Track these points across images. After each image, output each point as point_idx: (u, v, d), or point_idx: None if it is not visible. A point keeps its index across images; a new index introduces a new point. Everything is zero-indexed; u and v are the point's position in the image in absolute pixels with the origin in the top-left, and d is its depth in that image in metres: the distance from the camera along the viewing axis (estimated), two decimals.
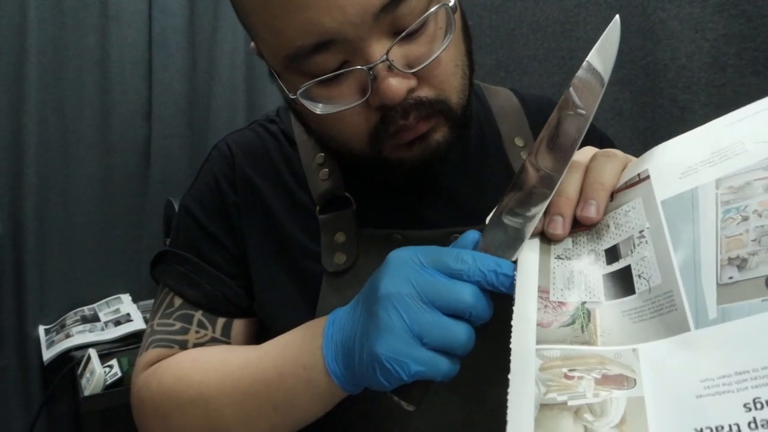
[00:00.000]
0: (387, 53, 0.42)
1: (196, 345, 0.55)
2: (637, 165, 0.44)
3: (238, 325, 0.57)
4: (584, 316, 0.40)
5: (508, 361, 0.54)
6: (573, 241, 0.44)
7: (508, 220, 0.43)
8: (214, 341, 0.56)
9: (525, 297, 0.41)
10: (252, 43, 0.51)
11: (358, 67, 0.43)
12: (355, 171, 0.56)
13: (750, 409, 0.30)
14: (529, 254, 0.43)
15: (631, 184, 0.43)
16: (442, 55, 0.46)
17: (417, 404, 0.42)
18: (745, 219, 0.35)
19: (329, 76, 0.44)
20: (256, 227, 0.57)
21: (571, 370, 0.37)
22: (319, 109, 0.46)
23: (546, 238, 0.44)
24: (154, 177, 1.76)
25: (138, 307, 1.69)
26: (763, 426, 0.29)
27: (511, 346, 0.39)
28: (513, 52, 1.28)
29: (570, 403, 0.35)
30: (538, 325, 0.40)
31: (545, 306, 0.41)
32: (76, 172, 1.68)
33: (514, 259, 0.42)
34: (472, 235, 0.43)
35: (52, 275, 1.65)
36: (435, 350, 0.39)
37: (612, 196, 0.44)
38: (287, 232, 0.56)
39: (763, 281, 0.33)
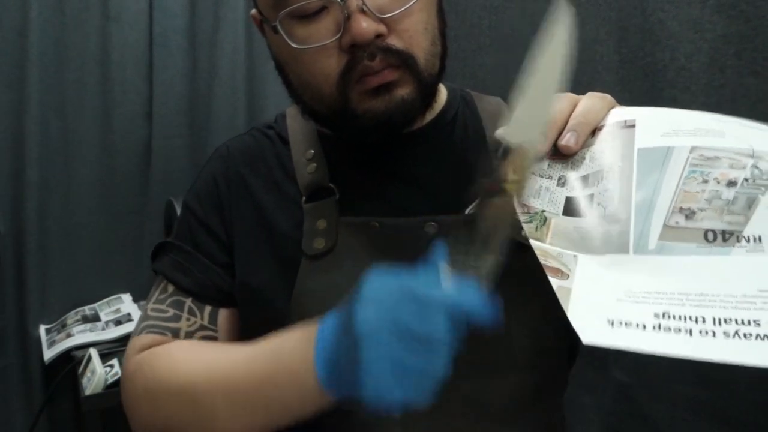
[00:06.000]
0: None
1: (187, 333, 0.59)
2: (628, 112, 0.48)
3: (223, 314, 0.62)
4: (541, 219, 0.46)
5: (479, 357, 0.55)
6: (549, 164, 0.48)
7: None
8: (202, 329, 0.60)
9: None
10: (252, 10, 0.57)
11: None
12: (340, 163, 0.61)
13: (658, 317, 0.36)
14: None
15: (616, 127, 0.47)
16: (414, 9, 0.51)
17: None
18: (705, 182, 0.41)
19: (309, 8, 0.50)
20: (245, 219, 0.62)
21: None
22: (295, 43, 0.52)
23: None
24: (155, 177, 1.76)
25: (139, 307, 1.70)
26: (664, 330, 0.35)
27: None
28: (513, 52, 1.28)
29: None
30: None
31: None
32: (77, 172, 1.68)
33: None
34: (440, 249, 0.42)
35: (53, 275, 1.64)
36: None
37: (594, 132, 0.47)
38: (273, 224, 0.60)
39: (703, 232, 0.39)
